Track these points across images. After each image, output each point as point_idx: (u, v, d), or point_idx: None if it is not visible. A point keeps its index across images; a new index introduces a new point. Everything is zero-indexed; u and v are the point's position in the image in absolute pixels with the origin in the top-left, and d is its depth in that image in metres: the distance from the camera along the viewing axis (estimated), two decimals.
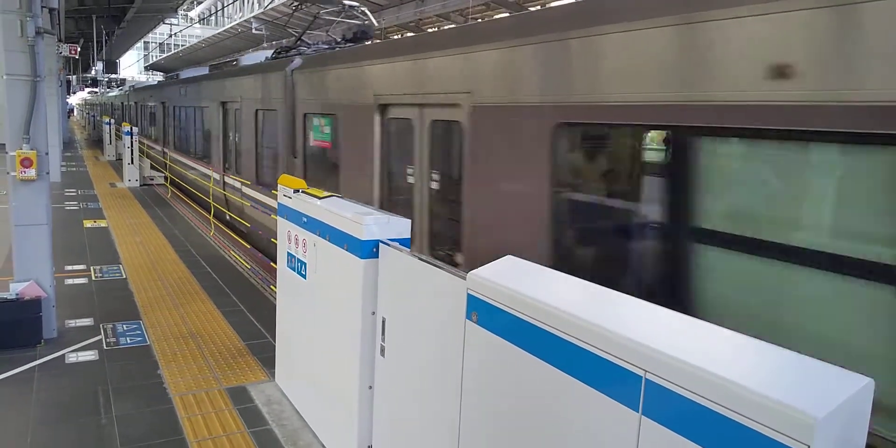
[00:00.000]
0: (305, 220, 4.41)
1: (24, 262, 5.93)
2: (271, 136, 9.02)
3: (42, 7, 6.15)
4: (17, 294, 5.77)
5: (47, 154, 6.08)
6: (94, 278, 8.03)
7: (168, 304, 7.09)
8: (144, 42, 63.47)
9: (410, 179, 5.50)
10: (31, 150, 5.86)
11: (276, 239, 5.12)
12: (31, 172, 5.87)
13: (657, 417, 1.81)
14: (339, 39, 9.55)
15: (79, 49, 22.94)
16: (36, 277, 5.95)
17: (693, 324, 1.99)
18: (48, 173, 6.09)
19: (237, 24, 46.59)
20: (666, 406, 1.78)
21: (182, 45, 67.38)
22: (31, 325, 5.75)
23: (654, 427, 1.81)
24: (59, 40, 21.01)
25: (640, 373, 1.85)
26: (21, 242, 5.91)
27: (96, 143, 32.45)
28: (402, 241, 3.65)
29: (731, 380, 1.61)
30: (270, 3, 33.97)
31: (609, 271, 3.60)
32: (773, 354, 1.75)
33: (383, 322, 3.57)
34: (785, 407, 1.48)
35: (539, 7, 22.40)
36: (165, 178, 17.48)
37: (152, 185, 17.44)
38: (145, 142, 21.40)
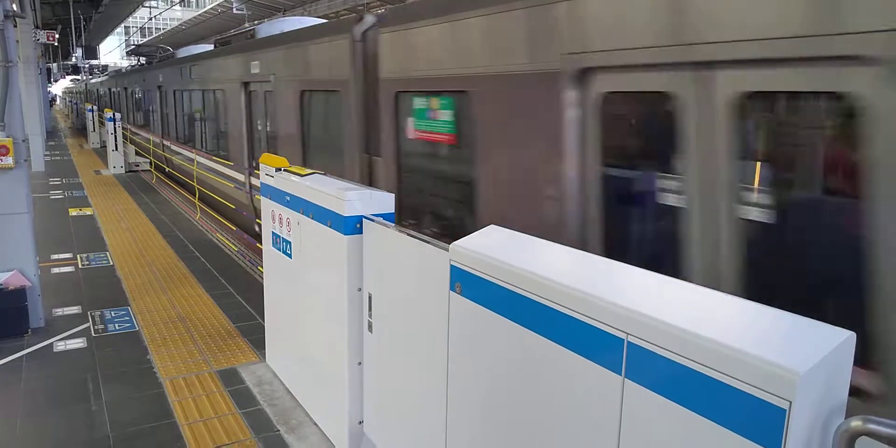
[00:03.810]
0: (289, 198, 4.35)
1: (6, 251, 5.85)
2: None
3: None
4: (0, 284, 5.70)
5: (24, 141, 5.96)
6: (80, 266, 7.96)
7: (156, 289, 7.04)
8: (125, 27, 62.43)
9: (674, 200, 2.97)
10: (7, 137, 5.74)
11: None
12: (8, 160, 5.75)
13: (640, 380, 1.78)
14: None
15: (57, 36, 22.52)
16: (19, 267, 5.88)
17: (672, 284, 1.96)
18: (26, 161, 5.97)
19: (218, 4, 45.85)
20: (648, 368, 1.75)
21: (164, 29, 66.33)
22: (16, 315, 5.69)
23: (638, 389, 1.79)
24: (36, 27, 20.61)
25: (622, 336, 1.82)
26: (2, 232, 5.83)
27: (80, 131, 32.04)
28: (386, 216, 3.60)
29: (711, 338, 1.58)
30: None
31: None
32: (752, 311, 1.72)
33: (370, 298, 3.54)
34: (766, 363, 1.45)
35: None
36: (150, 163, 17.30)
37: (138, 171, 17.26)
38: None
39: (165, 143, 15.52)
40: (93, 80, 37.67)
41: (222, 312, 6.28)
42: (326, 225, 3.76)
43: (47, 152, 20.66)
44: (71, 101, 49.62)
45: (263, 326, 5.56)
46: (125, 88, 22.68)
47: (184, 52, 15.46)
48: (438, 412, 2.86)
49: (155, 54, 21.38)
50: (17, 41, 5.82)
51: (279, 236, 4.61)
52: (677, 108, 2.85)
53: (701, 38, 2.66)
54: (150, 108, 17.35)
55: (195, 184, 11.90)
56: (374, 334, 3.52)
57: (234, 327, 5.90)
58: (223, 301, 6.62)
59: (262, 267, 7.22)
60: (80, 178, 15.92)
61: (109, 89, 28.25)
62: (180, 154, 13.92)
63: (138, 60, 23.64)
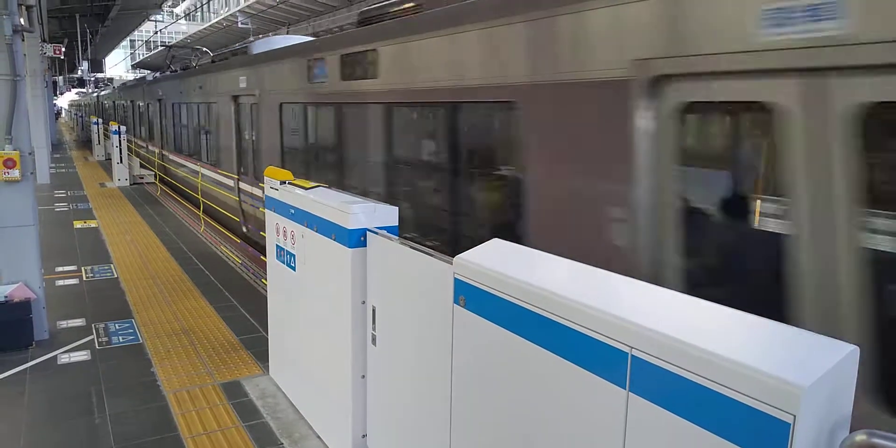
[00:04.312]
0: (293, 211, 4.37)
1: (11, 263, 5.88)
2: None
3: (19, 5, 6.06)
4: (5, 296, 5.71)
5: (31, 154, 6.01)
6: (85, 279, 7.97)
7: (160, 301, 7.05)
8: (130, 40, 63.09)
9: None
10: (14, 150, 5.79)
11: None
12: (15, 173, 5.80)
13: (644, 394, 1.79)
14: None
15: (63, 49, 22.74)
16: (24, 279, 5.90)
17: (677, 298, 1.97)
18: (33, 174, 6.02)
19: (223, 18, 46.30)
20: (652, 382, 1.76)
21: (168, 42, 67.05)
22: (21, 328, 5.70)
23: (642, 403, 1.79)
24: (43, 40, 20.82)
25: (626, 349, 1.83)
26: (7, 244, 5.86)
27: (85, 143, 32.21)
28: (390, 229, 3.62)
29: (715, 352, 1.58)
30: None
31: None
32: (756, 325, 1.73)
33: (374, 311, 3.54)
34: (770, 377, 1.45)
35: None
36: (155, 175, 17.35)
37: (143, 183, 17.34)
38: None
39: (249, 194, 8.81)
40: (104, 92, 34.50)
41: (226, 325, 6.29)
42: (330, 238, 3.78)
43: (52, 165, 20.78)
44: (76, 114, 49.85)
45: (267, 339, 5.57)
46: (159, 100, 16.55)
47: (259, 46, 9.92)
48: (442, 426, 2.85)
49: (189, 58, 16.87)
50: (25, 55, 5.89)
51: (283, 249, 4.63)
52: None
53: None
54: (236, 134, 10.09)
55: None
56: (378, 347, 3.52)
57: (237, 340, 5.90)
58: (227, 314, 6.62)
59: (265, 279, 7.23)
60: (84, 190, 15.99)
61: (131, 101, 22.34)
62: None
63: (169, 65, 18.66)
